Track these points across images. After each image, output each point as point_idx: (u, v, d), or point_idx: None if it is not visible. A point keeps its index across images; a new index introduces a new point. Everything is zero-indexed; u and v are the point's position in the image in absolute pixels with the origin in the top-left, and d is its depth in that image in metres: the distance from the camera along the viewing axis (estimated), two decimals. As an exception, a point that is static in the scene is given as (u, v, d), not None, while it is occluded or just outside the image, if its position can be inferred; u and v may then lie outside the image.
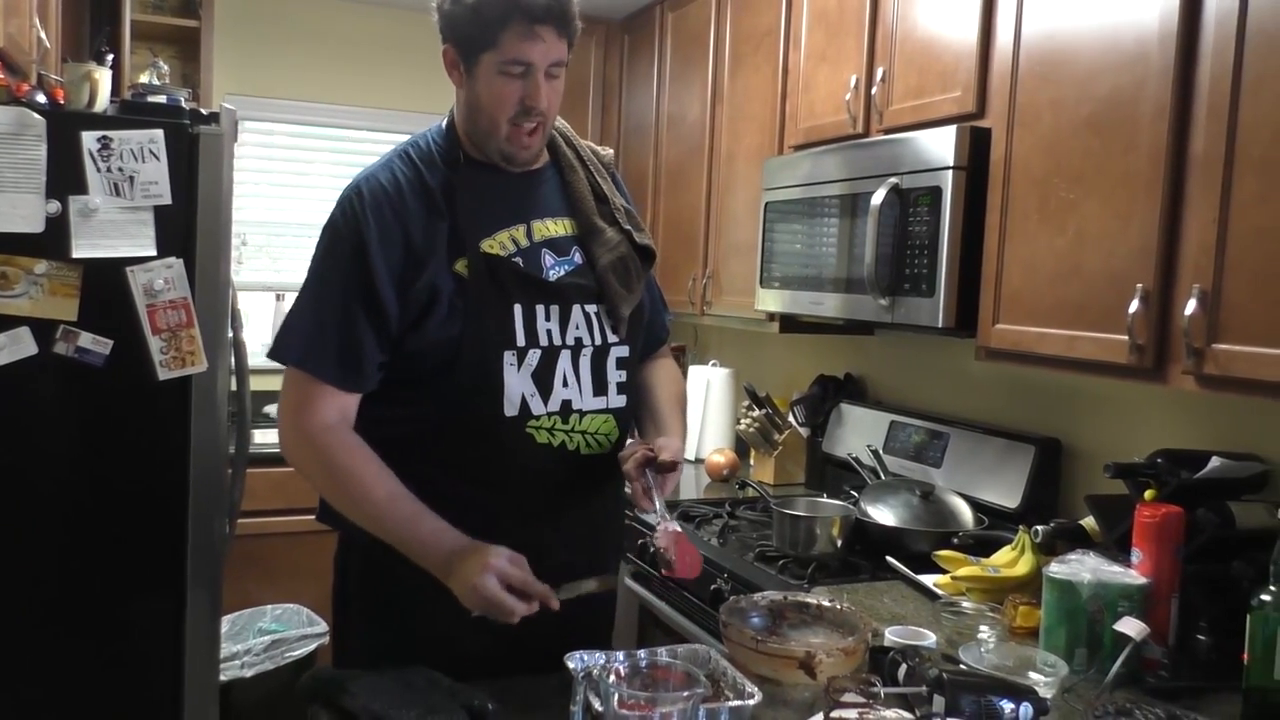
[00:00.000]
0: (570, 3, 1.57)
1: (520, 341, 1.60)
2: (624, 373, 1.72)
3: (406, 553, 1.53)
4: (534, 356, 1.61)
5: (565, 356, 1.64)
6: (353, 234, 1.56)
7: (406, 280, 1.56)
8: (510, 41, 1.53)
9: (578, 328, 1.65)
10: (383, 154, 1.67)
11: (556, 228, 1.69)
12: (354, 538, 1.69)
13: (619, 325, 1.70)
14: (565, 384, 1.64)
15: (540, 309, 1.62)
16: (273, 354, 1.60)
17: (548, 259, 1.66)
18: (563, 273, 1.66)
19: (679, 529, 1.64)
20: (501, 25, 1.52)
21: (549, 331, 1.62)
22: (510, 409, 1.60)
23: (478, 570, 1.45)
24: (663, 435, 1.72)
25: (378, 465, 1.55)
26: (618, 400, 1.71)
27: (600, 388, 1.68)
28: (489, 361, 1.58)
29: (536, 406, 1.61)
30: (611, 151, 1.86)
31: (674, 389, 1.88)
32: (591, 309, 1.67)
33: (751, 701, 1.37)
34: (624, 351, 1.72)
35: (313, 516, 1.75)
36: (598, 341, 1.68)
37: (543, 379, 1.61)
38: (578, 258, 1.69)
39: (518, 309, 1.60)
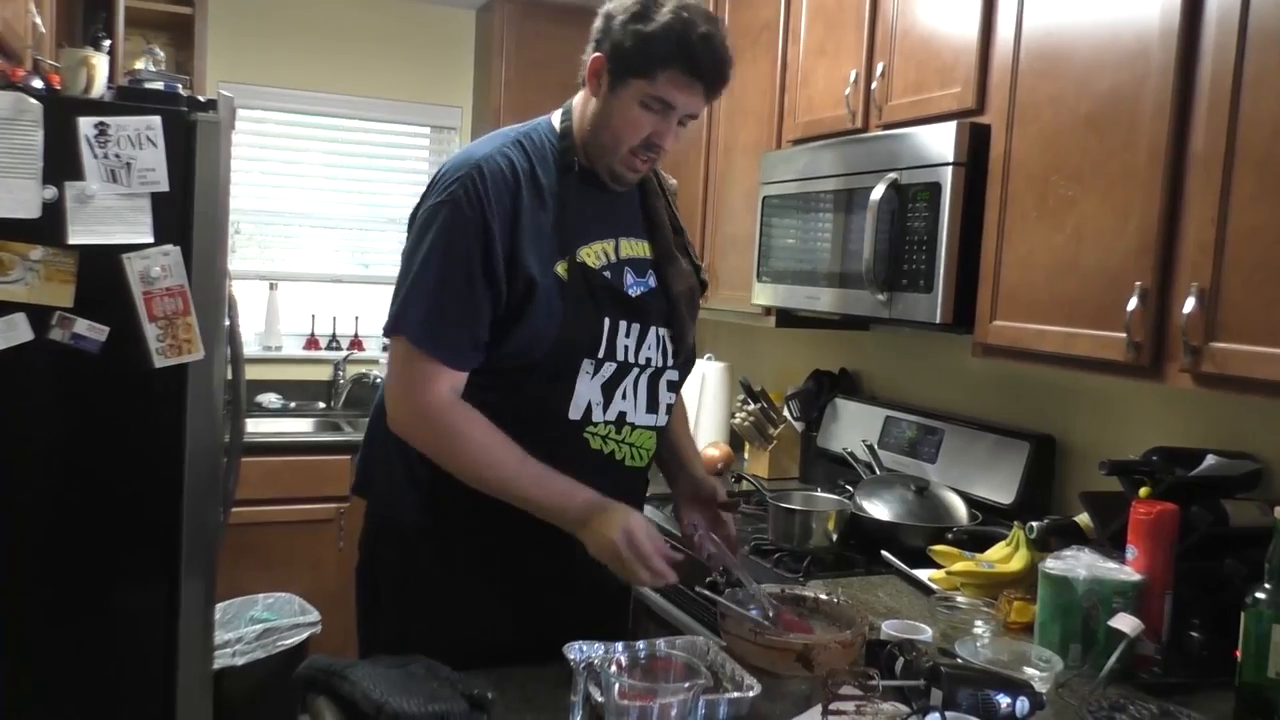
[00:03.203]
0: (730, 71, 1.63)
1: (600, 353, 1.63)
2: (672, 395, 1.78)
3: (536, 511, 1.56)
4: (608, 369, 1.64)
5: (633, 373, 1.68)
6: (477, 213, 1.55)
7: (511, 267, 1.57)
8: (665, 82, 1.57)
9: (650, 348, 1.70)
10: (486, 139, 1.67)
11: (638, 248, 1.73)
12: (387, 518, 1.70)
13: (680, 351, 1.75)
14: (624, 397, 1.68)
15: (623, 325, 1.65)
16: (390, 328, 1.59)
17: (628, 277, 1.69)
18: (640, 293, 1.70)
19: (776, 610, 1.67)
20: (665, 64, 1.56)
21: (626, 348, 1.66)
22: (575, 413, 1.63)
23: (615, 528, 1.50)
24: (692, 470, 1.85)
25: (501, 434, 1.57)
26: (664, 419, 1.77)
27: (653, 406, 1.73)
28: (569, 366, 1.61)
29: (597, 414, 1.65)
30: (676, 182, 1.91)
31: (685, 420, 1.99)
32: (664, 332, 1.72)
33: (750, 694, 1.38)
34: (674, 375, 1.77)
35: (306, 505, 1.76)
36: (661, 364, 1.73)
37: (609, 390, 1.65)
38: (651, 280, 1.73)
39: (606, 321, 1.63)
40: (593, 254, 1.65)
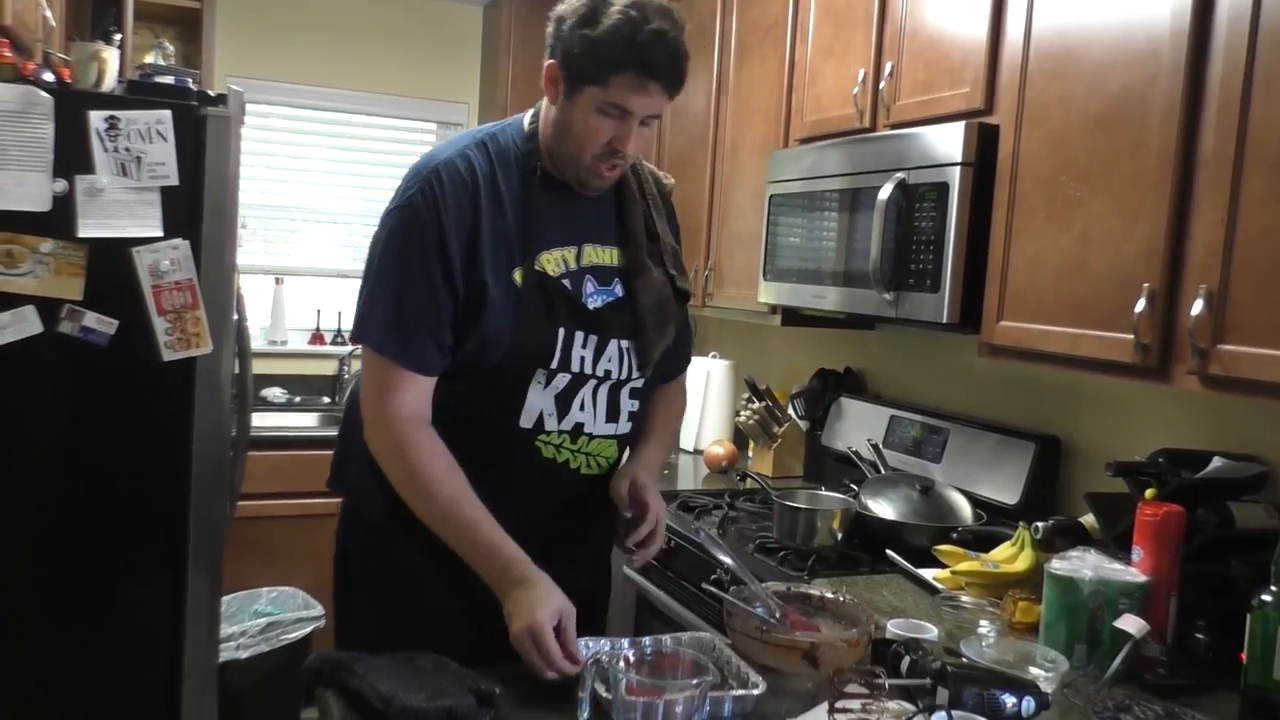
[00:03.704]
0: (685, 65, 1.56)
1: (553, 364, 1.60)
2: (636, 402, 1.74)
3: (462, 556, 1.53)
4: (561, 380, 1.62)
5: (590, 384, 1.65)
6: (433, 217, 1.54)
7: (467, 271, 1.55)
8: (618, 87, 1.51)
9: (610, 360, 1.66)
10: (457, 136, 1.65)
11: (605, 256, 1.69)
12: (358, 511, 1.70)
13: (647, 365, 1.71)
14: (582, 408, 1.65)
15: (579, 335, 1.62)
16: (355, 336, 1.60)
17: (589, 286, 1.65)
18: (601, 303, 1.66)
19: (782, 608, 1.63)
20: (616, 69, 1.50)
21: (582, 359, 1.63)
22: (527, 421, 1.61)
23: (522, 619, 1.41)
24: (638, 456, 1.75)
25: (447, 466, 1.55)
26: (626, 427, 1.73)
27: (613, 415, 1.69)
28: (520, 376, 1.59)
29: (550, 423, 1.63)
30: (673, 181, 1.85)
31: (671, 410, 1.89)
32: (625, 344, 1.67)
33: (755, 691, 1.38)
34: (640, 383, 1.73)
35: (310, 499, 1.77)
36: (623, 376, 1.68)
37: (563, 401, 1.63)
38: (618, 289, 1.69)
39: (560, 332, 1.60)
40: (552, 261, 1.61)
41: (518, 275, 1.58)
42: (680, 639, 1.52)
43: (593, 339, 1.63)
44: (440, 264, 1.54)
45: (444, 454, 1.56)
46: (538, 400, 1.61)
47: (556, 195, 1.64)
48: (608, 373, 1.66)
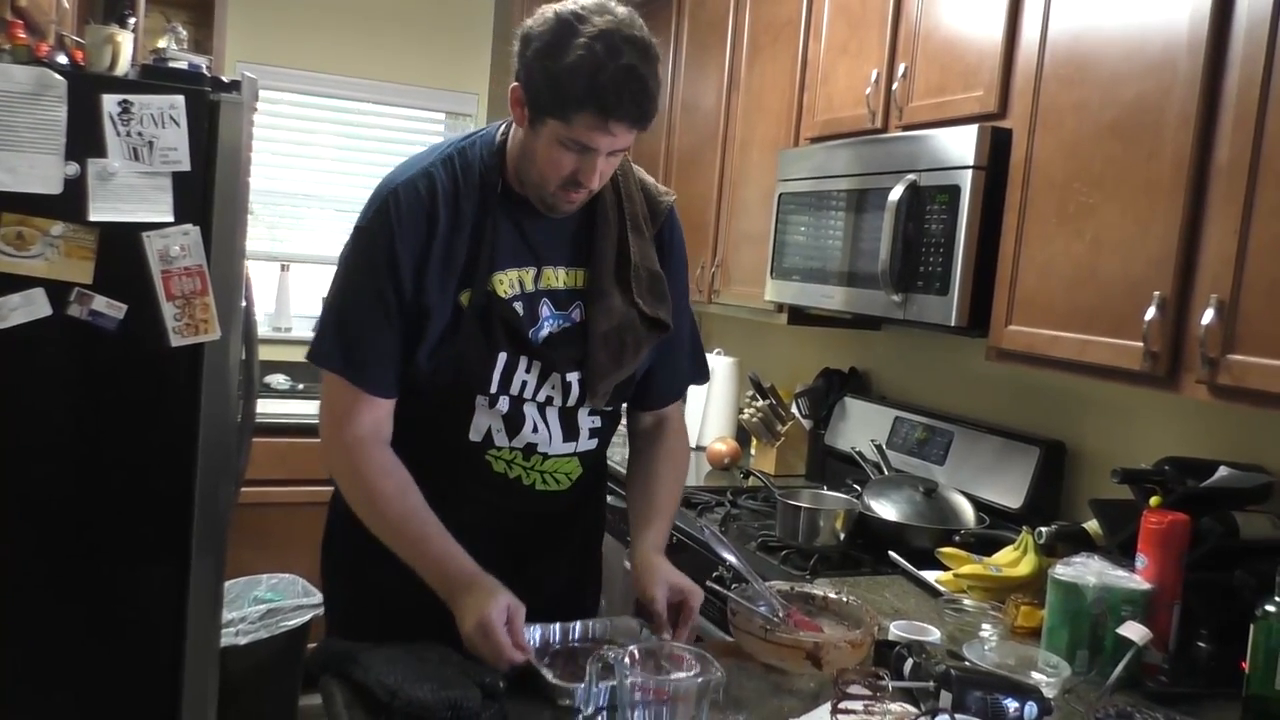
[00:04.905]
0: (652, 102, 1.46)
1: (493, 389, 1.57)
2: (598, 418, 1.69)
3: (414, 569, 1.52)
4: (504, 402, 1.59)
5: (533, 407, 1.61)
6: (386, 242, 1.52)
7: (415, 294, 1.53)
8: (580, 125, 1.44)
9: (552, 389, 1.61)
10: (426, 150, 1.62)
11: (566, 279, 1.63)
12: (340, 505, 1.69)
13: (594, 396, 1.63)
14: (535, 430, 1.61)
15: (523, 360, 1.58)
16: (313, 358, 1.58)
17: (544, 310, 1.60)
18: (554, 329, 1.61)
19: (786, 608, 1.64)
20: (577, 107, 1.42)
21: (524, 383, 1.59)
22: (475, 435, 1.60)
23: (471, 620, 1.41)
24: (641, 549, 1.64)
25: (399, 483, 1.54)
26: (588, 444, 1.69)
27: (571, 434, 1.65)
28: (462, 398, 1.57)
29: (500, 440, 1.60)
30: (672, 197, 1.77)
31: (674, 489, 1.79)
32: (573, 376, 1.61)
33: (717, 674, 1.36)
34: (607, 407, 1.69)
35: (312, 487, 1.78)
36: (569, 404, 1.63)
37: (511, 420, 1.60)
38: (576, 315, 1.62)
39: (501, 357, 1.56)
40: (506, 282, 1.57)
41: (464, 297, 1.54)
42: (610, 624, 1.56)
43: (536, 364, 1.59)
44: (393, 291, 1.52)
45: (398, 471, 1.55)
46: (484, 418, 1.59)
47: (519, 214, 1.59)
48: (549, 399, 1.61)
